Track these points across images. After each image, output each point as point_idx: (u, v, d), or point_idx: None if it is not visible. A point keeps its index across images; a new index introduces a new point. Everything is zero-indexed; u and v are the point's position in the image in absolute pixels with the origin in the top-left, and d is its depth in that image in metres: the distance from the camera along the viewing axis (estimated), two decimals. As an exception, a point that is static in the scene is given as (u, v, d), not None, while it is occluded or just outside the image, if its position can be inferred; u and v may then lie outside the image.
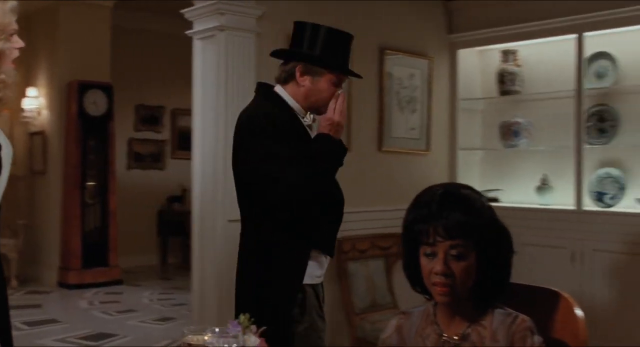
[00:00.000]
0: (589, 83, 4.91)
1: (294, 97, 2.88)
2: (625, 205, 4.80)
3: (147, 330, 6.07)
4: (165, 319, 6.46)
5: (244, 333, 2.00)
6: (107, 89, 8.27)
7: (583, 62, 4.86)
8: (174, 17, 9.05)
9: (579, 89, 4.87)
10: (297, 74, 2.86)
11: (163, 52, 9.64)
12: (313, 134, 2.91)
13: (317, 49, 2.84)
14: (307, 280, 2.83)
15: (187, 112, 9.85)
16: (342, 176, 4.89)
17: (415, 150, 5.37)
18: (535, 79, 5.32)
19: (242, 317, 2.09)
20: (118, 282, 8.22)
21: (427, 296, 2.10)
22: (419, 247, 2.03)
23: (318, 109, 2.88)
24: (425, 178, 5.39)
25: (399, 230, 5.27)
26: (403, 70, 5.24)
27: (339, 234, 4.72)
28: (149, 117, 9.94)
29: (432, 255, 1.97)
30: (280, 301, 2.81)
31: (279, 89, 2.92)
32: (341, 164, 2.88)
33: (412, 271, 2.10)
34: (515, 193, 5.39)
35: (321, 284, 2.96)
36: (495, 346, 1.94)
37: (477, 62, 5.71)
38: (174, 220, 9.70)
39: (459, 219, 1.95)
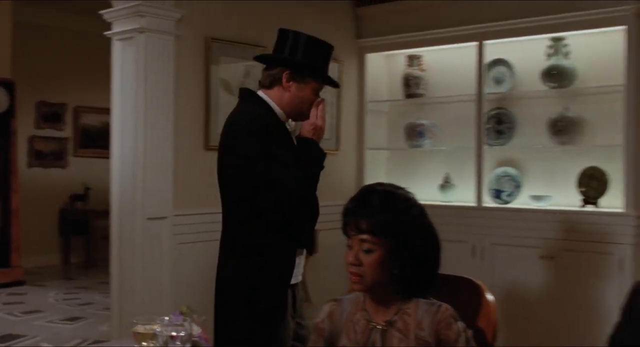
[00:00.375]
0: (488, 88, 5.23)
1: (277, 102, 2.96)
2: (521, 202, 5.15)
3: (56, 330, 6.03)
4: (73, 319, 6.41)
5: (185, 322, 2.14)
6: (8, 86, 8.10)
7: (483, 68, 5.17)
8: (78, 14, 9.03)
9: (479, 94, 5.18)
10: (284, 80, 2.94)
11: (67, 49, 9.52)
12: (293, 139, 3.04)
13: (304, 57, 2.94)
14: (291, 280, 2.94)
15: (91, 109, 9.91)
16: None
17: (326, 149, 5.54)
18: (439, 83, 5.62)
19: (183, 307, 2.23)
20: (20, 283, 8.05)
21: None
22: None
23: (299, 116, 3.01)
24: (335, 176, 5.61)
25: None
26: (312, 73, 5.43)
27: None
28: (50, 115, 9.75)
29: (349, 247, 2.19)
30: (273, 301, 2.88)
31: (262, 94, 3.00)
32: (323, 167, 3.05)
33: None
34: (419, 190, 5.51)
35: (297, 283, 3.04)
36: (420, 333, 2.16)
37: (384, 66, 5.95)
38: (76, 219, 9.59)
39: (370, 217, 2.16)
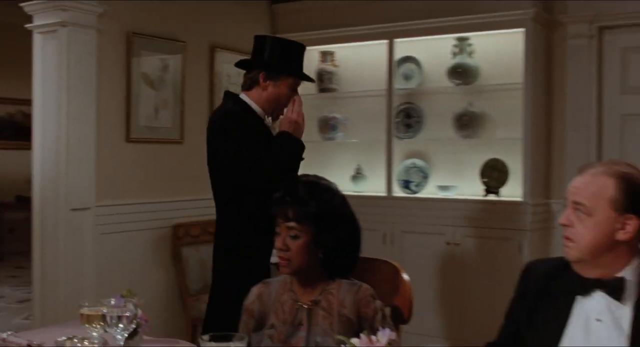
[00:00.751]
0: (398, 84, 5.50)
1: (257, 102, 3.29)
2: (428, 191, 5.45)
3: (-33, 323, 5.99)
4: (-16, 312, 6.38)
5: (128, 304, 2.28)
6: None
7: (393, 65, 5.44)
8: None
9: (389, 89, 5.44)
10: (261, 80, 3.27)
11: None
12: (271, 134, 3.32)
13: (277, 58, 3.28)
14: None
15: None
16: (175, 167, 5.20)
17: (242, 142, 5.73)
18: (351, 78, 5.85)
19: (124, 291, 2.38)
20: None
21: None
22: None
23: (277, 111, 3.32)
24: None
25: None
26: (232, 67, 5.56)
27: (174, 221, 5.05)
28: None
29: (278, 233, 2.40)
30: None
31: (243, 96, 3.33)
32: (301, 159, 3.24)
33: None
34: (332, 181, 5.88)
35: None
36: (343, 311, 2.38)
37: (299, 62, 6.14)
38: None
39: (296, 206, 2.38)
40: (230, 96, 3.39)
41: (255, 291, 2.54)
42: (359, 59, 5.81)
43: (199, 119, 5.32)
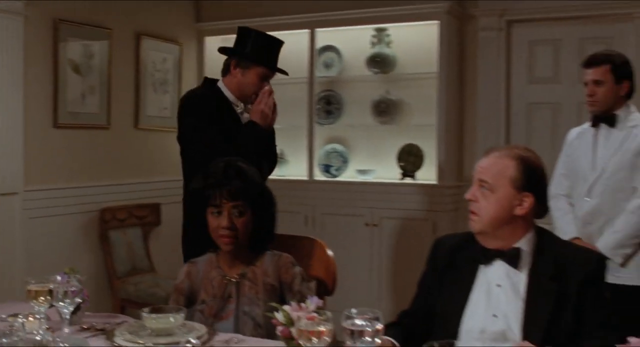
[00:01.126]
0: (319, 72, 5.71)
1: (228, 87, 3.53)
2: (348, 175, 5.70)
3: None
4: None
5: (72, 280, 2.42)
6: None
7: (314, 54, 5.64)
8: None
9: (310, 77, 5.64)
10: (232, 67, 3.52)
11: None
12: (246, 120, 3.54)
13: (249, 47, 3.52)
14: None
15: None
16: (102, 152, 5.29)
17: (167, 128, 5.80)
18: (273, 66, 6.02)
19: (66, 268, 2.52)
20: None
21: (211, 248, 2.72)
22: (203, 211, 2.64)
23: (247, 98, 3.53)
24: (176, 153, 5.83)
25: (154, 200, 6.02)
26: (157, 54, 5.68)
27: (102, 205, 5.14)
28: None
29: (218, 213, 2.59)
30: None
31: (220, 81, 3.58)
32: (264, 147, 3.47)
33: (197, 231, 2.70)
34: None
35: None
36: (267, 280, 2.61)
37: (222, 49, 6.27)
38: None
39: (238, 185, 2.59)
40: (205, 81, 3.66)
41: (184, 270, 2.74)
42: (282, 47, 5.96)
43: (125, 104, 5.43)
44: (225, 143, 3.31)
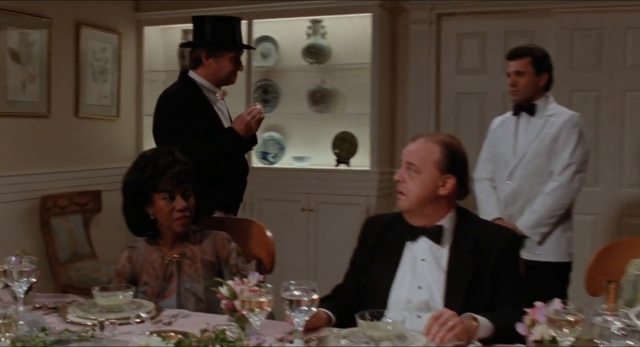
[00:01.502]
0: (256, 61, 5.87)
1: (205, 78, 3.57)
2: (285, 162, 5.88)
3: None
4: None
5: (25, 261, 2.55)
6: None
7: (252, 44, 5.78)
8: None
9: (248, 66, 5.76)
10: (203, 59, 3.54)
11: None
12: (222, 106, 3.71)
13: (209, 35, 3.57)
14: None
15: None
16: (43, 140, 5.34)
17: (106, 116, 5.92)
18: (212, 55, 6.14)
19: (18, 250, 2.65)
20: None
21: (149, 233, 2.87)
22: (146, 198, 2.79)
23: (226, 81, 3.64)
24: (116, 141, 6.00)
25: (95, 188, 6.14)
26: (96, 44, 5.75)
27: (43, 193, 5.20)
28: None
29: (171, 198, 2.75)
30: None
31: (191, 73, 3.60)
32: (239, 154, 3.59)
33: (137, 218, 2.85)
34: None
35: None
36: (205, 257, 2.80)
37: (161, 39, 6.36)
38: None
39: (184, 169, 2.77)
40: (181, 75, 3.66)
41: (125, 255, 2.90)
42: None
43: (65, 93, 5.50)
44: (201, 143, 3.38)
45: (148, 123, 6.07)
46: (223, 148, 3.48)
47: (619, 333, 1.72)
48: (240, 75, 5.71)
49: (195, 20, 3.67)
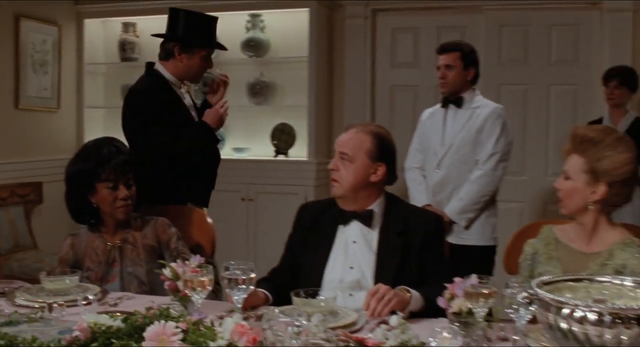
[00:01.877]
0: (196, 54, 5.97)
1: (173, 73, 3.54)
2: (225, 153, 5.89)
3: None
4: None
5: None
6: None
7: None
8: None
9: (188, 59, 5.90)
10: (176, 53, 3.51)
11: None
12: (188, 99, 3.68)
13: (190, 31, 3.54)
14: None
15: None
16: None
17: (47, 108, 5.95)
18: (152, 48, 6.14)
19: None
20: None
21: (92, 221, 2.99)
22: (90, 187, 2.90)
23: (193, 79, 3.67)
24: (57, 133, 6.04)
25: (36, 179, 6.23)
26: (36, 36, 5.78)
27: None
28: None
29: (114, 188, 2.87)
30: None
31: (158, 65, 3.59)
32: (211, 147, 3.65)
33: (80, 206, 2.96)
34: None
35: None
36: (146, 241, 2.94)
37: (101, 31, 6.40)
38: None
39: (126, 160, 2.90)
40: (147, 69, 3.63)
41: (67, 242, 3.02)
42: (160, 30, 6.14)
43: (5, 85, 5.52)
44: (172, 139, 3.40)
45: (89, 115, 6.22)
46: (196, 142, 3.51)
47: (524, 301, 1.93)
48: (181, 68, 5.87)
49: (171, 12, 3.64)
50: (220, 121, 3.56)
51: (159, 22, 6.04)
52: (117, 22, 6.19)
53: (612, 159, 2.36)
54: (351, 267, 2.62)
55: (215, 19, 3.66)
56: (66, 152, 5.92)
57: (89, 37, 6.24)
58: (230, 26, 5.90)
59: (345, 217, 2.67)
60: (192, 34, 3.54)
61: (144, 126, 3.40)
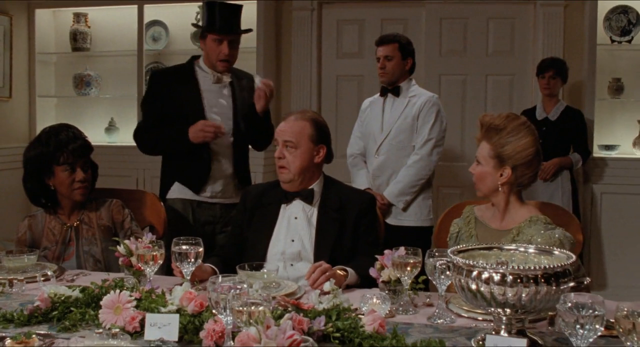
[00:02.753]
0: (147, 45, 6.11)
1: (204, 60, 3.72)
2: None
3: None
4: None
5: None
6: None
7: (142, 28, 6.03)
8: None
9: (139, 49, 6.02)
10: (200, 43, 3.72)
11: None
12: (220, 90, 3.71)
13: (202, 20, 3.72)
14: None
15: None
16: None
17: (0, 97, 6.03)
18: (104, 38, 6.32)
19: None
20: None
21: (48, 204, 3.15)
22: (48, 170, 3.06)
23: (214, 66, 3.67)
24: (9, 121, 6.11)
25: None
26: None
27: None
28: None
29: (72, 170, 3.03)
30: None
31: (200, 58, 3.77)
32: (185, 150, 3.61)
33: (37, 189, 3.11)
34: (87, 134, 6.20)
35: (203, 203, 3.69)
36: (101, 221, 3.12)
37: (53, 21, 6.48)
38: None
39: (83, 144, 3.07)
40: (191, 58, 3.83)
41: (24, 223, 3.17)
42: (112, 21, 6.30)
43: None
44: (152, 135, 3.67)
45: (41, 104, 6.31)
46: (171, 146, 3.67)
47: (441, 267, 2.17)
48: (132, 59, 6.01)
49: (202, 6, 3.79)
50: (201, 139, 3.53)
51: (110, 13, 6.26)
52: (68, 12, 6.28)
53: (513, 144, 2.61)
54: (292, 240, 2.86)
55: (225, 4, 3.68)
56: (18, 140, 6.04)
57: (40, 27, 6.30)
58: (181, 17, 6.07)
59: (288, 197, 2.91)
60: (203, 22, 3.71)
61: (143, 104, 3.81)
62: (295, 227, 2.88)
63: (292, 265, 2.83)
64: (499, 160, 2.63)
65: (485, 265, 1.84)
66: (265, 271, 2.48)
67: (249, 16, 5.75)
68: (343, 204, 2.89)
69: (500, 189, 2.65)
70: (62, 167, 3.06)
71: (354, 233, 2.85)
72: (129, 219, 3.18)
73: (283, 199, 2.92)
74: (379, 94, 4.39)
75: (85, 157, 3.11)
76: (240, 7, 3.74)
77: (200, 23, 3.98)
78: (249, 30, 3.81)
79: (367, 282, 2.59)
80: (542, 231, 2.53)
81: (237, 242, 2.99)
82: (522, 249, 2.09)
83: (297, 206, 2.91)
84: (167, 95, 3.63)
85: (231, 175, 3.71)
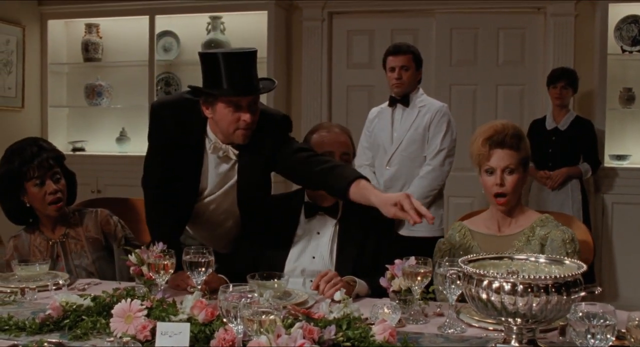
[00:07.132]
0: (158, 55, 6.14)
1: (213, 131, 2.80)
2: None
3: None
4: None
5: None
6: None
7: (154, 39, 6.06)
8: None
9: (151, 60, 6.06)
10: (203, 109, 2.75)
11: None
12: (221, 166, 2.88)
13: (204, 79, 2.74)
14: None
15: None
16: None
17: (11, 107, 6.06)
18: (115, 49, 6.36)
19: None
20: None
21: (30, 221, 3.09)
22: (19, 188, 2.99)
23: (229, 137, 2.77)
24: (21, 132, 6.11)
25: None
26: (0, 36, 5.90)
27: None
28: None
29: (41, 184, 2.98)
30: None
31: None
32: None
33: (14, 207, 3.03)
34: (99, 143, 6.41)
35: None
36: (89, 234, 3.08)
37: (65, 32, 6.53)
38: None
39: (51, 155, 3.02)
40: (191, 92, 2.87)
41: (10, 245, 3.11)
42: (123, 31, 6.35)
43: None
44: (151, 216, 2.95)
45: (53, 114, 6.35)
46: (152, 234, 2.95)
47: (451, 277, 2.16)
48: (144, 69, 6.04)
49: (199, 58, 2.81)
50: (175, 286, 2.68)
51: (122, 23, 6.30)
52: (80, 23, 6.32)
53: (527, 147, 2.73)
54: (313, 257, 2.82)
55: (237, 54, 2.71)
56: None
57: (52, 38, 6.36)
58: (192, 28, 6.11)
59: (311, 210, 2.88)
60: (204, 82, 2.74)
61: (148, 156, 3.02)
62: (317, 243, 2.84)
63: (311, 281, 2.70)
64: (524, 165, 2.69)
65: (495, 274, 1.84)
66: (275, 281, 2.48)
67: (259, 27, 5.83)
68: (365, 222, 2.82)
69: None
70: (32, 182, 2.98)
71: (374, 250, 2.82)
72: (119, 227, 3.13)
73: (305, 213, 2.89)
74: (387, 104, 4.38)
75: (55, 168, 3.03)
76: (255, 52, 2.75)
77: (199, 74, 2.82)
78: (272, 87, 2.88)
79: (378, 293, 2.58)
80: (557, 226, 2.65)
81: (251, 255, 2.90)
82: (532, 259, 2.09)
83: (320, 220, 2.87)
84: (169, 152, 2.86)
85: (237, 234, 3.06)
